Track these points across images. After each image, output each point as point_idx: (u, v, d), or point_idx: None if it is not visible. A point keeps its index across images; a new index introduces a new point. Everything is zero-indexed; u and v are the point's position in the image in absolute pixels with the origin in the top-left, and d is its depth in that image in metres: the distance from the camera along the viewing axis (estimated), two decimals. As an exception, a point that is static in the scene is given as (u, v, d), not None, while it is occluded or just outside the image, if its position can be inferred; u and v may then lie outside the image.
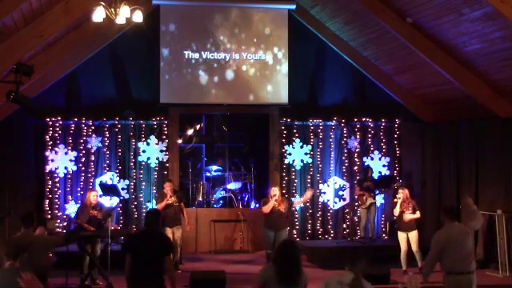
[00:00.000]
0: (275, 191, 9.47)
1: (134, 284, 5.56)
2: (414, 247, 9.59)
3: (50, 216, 11.15)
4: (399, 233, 9.75)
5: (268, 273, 4.57)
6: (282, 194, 10.82)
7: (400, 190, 9.96)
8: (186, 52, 11.95)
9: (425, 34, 9.93)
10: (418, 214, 9.69)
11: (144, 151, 11.81)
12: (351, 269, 4.63)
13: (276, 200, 9.36)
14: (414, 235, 9.60)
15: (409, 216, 9.62)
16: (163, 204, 9.84)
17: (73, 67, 11.58)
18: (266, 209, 9.34)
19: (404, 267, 9.65)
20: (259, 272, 4.69)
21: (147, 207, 11.43)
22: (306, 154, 12.26)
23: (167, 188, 9.98)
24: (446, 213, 6.34)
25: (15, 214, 10.53)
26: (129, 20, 7.92)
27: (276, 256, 4.64)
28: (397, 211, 9.73)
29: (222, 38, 12.08)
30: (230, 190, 12.76)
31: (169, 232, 9.78)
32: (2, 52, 8.23)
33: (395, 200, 9.96)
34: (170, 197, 9.85)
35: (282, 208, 9.39)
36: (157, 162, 11.85)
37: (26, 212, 6.66)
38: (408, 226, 9.64)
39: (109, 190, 10.56)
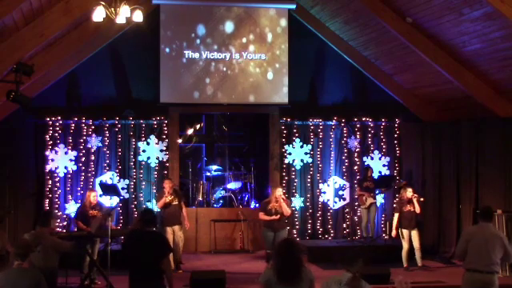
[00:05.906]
0: (279, 191, 9.25)
1: (133, 285, 5.56)
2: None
3: (49, 215, 11.17)
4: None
5: (269, 273, 4.54)
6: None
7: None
8: (186, 51, 11.95)
9: (425, 34, 9.93)
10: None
11: (144, 151, 11.81)
12: (348, 269, 4.63)
13: (275, 207, 9.14)
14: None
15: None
16: (162, 202, 9.85)
17: (73, 67, 11.58)
18: (264, 218, 9.21)
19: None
20: (262, 273, 4.67)
21: (147, 207, 11.43)
22: (306, 153, 12.25)
23: (166, 186, 9.95)
24: (479, 215, 6.54)
25: (15, 214, 10.57)
26: (129, 20, 7.92)
27: (275, 255, 4.63)
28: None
29: (222, 37, 12.07)
30: (230, 189, 12.75)
31: (169, 231, 9.76)
32: (2, 51, 8.23)
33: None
34: (169, 194, 9.84)
35: (284, 209, 9.15)
36: (157, 161, 11.86)
37: (44, 211, 6.64)
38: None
39: (109, 189, 10.57)
